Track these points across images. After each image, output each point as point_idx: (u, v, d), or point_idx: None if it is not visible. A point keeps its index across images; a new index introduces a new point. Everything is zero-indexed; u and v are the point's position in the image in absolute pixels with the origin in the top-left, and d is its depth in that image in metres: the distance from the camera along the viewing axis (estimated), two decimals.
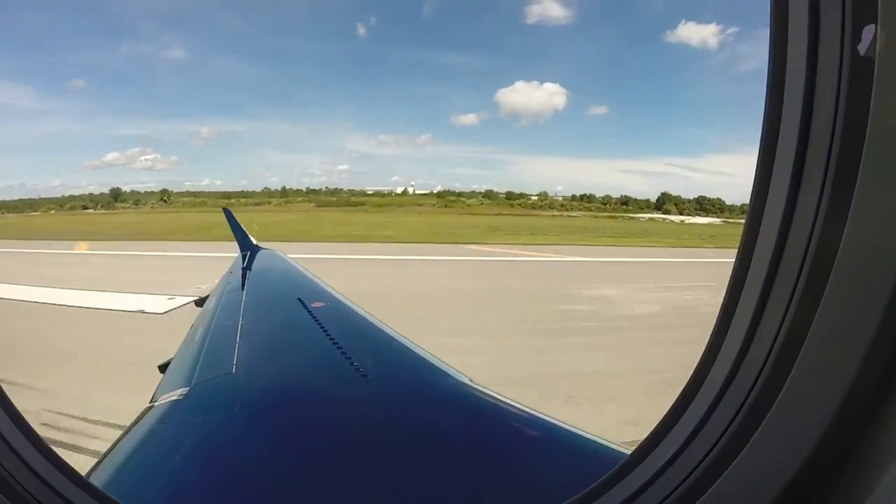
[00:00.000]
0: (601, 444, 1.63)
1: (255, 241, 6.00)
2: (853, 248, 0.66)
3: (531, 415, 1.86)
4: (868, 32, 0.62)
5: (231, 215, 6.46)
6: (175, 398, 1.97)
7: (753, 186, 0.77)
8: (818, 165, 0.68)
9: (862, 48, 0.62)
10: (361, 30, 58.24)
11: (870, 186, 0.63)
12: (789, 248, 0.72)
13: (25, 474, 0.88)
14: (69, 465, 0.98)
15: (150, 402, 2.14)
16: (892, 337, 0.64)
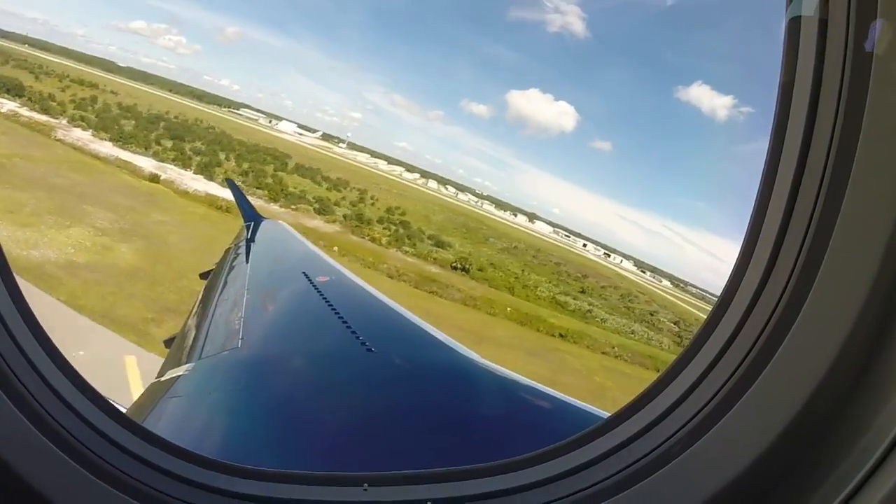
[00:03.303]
0: (600, 416, 1.68)
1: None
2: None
3: (535, 388, 1.91)
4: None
5: (235, 186, 6.33)
6: (181, 373, 1.97)
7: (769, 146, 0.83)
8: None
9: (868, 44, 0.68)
10: None
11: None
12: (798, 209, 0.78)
13: (25, 368, 0.87)
14: (74, 368, 0.98)
15: (157, 377, 2.14)
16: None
